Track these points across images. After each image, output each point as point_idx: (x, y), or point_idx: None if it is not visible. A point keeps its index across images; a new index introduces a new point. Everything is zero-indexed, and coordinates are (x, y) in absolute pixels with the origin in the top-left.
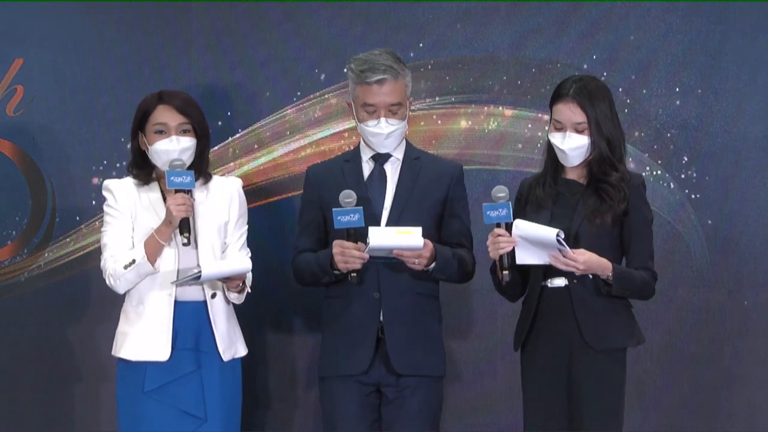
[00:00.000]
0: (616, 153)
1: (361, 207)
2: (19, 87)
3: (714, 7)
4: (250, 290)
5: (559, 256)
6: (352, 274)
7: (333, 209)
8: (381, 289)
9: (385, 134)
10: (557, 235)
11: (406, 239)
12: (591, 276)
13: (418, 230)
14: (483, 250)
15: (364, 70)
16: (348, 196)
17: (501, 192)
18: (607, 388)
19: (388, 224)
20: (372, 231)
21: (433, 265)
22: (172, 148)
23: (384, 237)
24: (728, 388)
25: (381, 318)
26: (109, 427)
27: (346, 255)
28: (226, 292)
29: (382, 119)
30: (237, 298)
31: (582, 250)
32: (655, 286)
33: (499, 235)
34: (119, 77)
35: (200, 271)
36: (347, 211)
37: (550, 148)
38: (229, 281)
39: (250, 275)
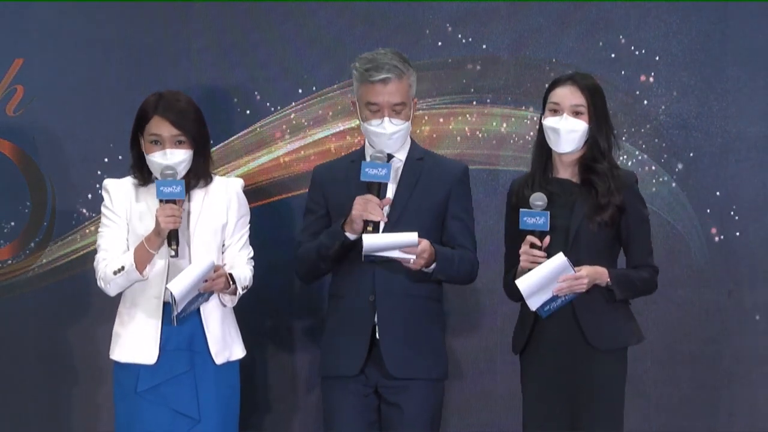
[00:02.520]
0: (609, 146)
1: (390, 164)
2: (19, 87)
3: (714, 7)
4: (242, 291)
5: (563, 285)
6: (369, 227)
7: (362, 162)
8: (376, 292)
9: (388, 134)
10: (567, 261)
11: (400, 236)
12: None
13: (414, 234)
14: (485, 251)
15: (368, 68)
16: (379, 152)
17: (539, 200)
18: (609, 389)
19: (386, 226)
20: (366, 237)
21: (433, 265)
22: (165, 162)
23: (378, 237)
24: (728, 388)
25: (375, 320)
26: (108, 428)
27: (368, 207)
28: (220, 296)
29: (386, 119)
30: (230, 300)
31: (583, 267)
32: (657, 280)
33: (533, 246)
34: (119, 77)
35: (171, 293)
36: (375, 165)
37: (538, 147)
38: (210, 285)
39: (249, 275)
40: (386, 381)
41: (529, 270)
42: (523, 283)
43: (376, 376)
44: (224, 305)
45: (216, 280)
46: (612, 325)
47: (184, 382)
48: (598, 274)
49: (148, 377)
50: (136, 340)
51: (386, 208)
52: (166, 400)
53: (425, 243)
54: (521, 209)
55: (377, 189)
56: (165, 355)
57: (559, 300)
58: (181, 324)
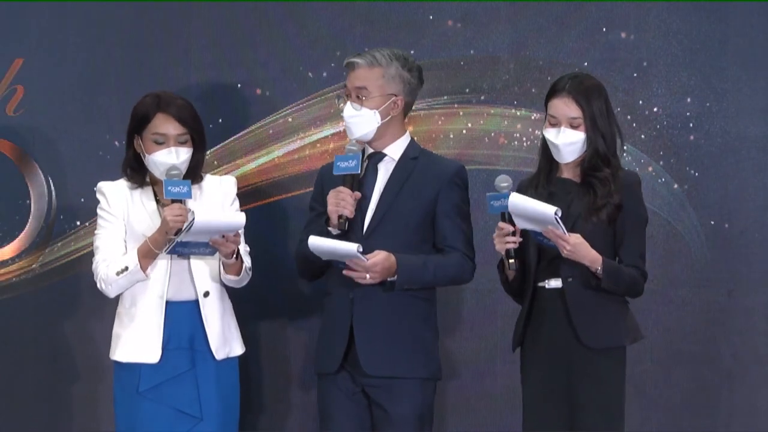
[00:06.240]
0: (611, 149)
1: (360, 154)
2: (19, 87)
3: (714, 7)
4: (249, 273)
5: (553, 230)
6: (341, 220)
7: (335, 155)
8: (355, 289)
9: (345, 117)
10: (555, 214)
11: (342, 245)
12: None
13: (354, 246)
14: (483, 250)
15: (348, 57)
16: (353, 145)
17: (504, 182)
18: (606, 388)
19: (371, 224)
20: (312, 238)
21: (395, 278)
22: (170, 160)
23: (323, 241)
24: (728, 388)
25: (352, 317)
26: (108, 427)
27: (339, 197)
28: (223, 277)
29: (349, 103)
30: (235, 282)
31: (577, 235)
32: (645, 285)
33: (503, 229)
34: (119, 77)
35: (192, 219)
36: (346, 157)
37: (544, 148)
38: (223, 243)
39: (248, 260)
40: (368, 380)
41: (507, 253)
42: (516, 197)
43: (357, 374)
44: (222, 282)
45: (229, 243)
46: (606, 325)
47: (185, 380)
48: (590, 256)
49: (149, 377)
50: (138, 340)
51: (371, 207)
52: (168, 400)
53: (378, 257)
54: (487, 194)
55: (350, 181)
56: (166, 354)
57: (545, 240)
58: (180, 319)
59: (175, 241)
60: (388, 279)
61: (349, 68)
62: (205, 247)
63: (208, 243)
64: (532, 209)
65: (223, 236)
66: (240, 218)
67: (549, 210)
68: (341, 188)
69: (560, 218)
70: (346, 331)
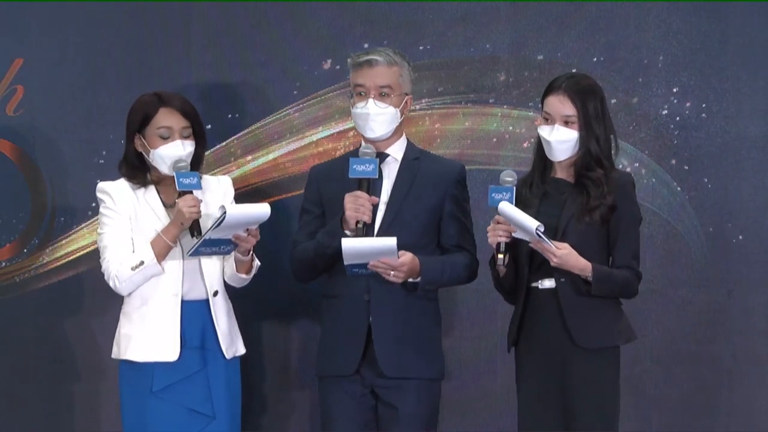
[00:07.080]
0: (604, 151)
1: (377, 159)
2: (19, 87)
3: (714, 7)
4: (254, 271)
5: (538, 242)
6: (359, 225)
7: (350, 158)
8: (371, 291)
9: (371, 115)
10: (537, 229)
11: (379, 241)
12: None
13: (393, 239)
14: (482, 250)
15: (359, 54)
16: (367, 147)
17: (509, 176)
18: (600, 388)
19: (381, 226)
20: (344, 241)
21: (419, 279)
22: (178, 153)
23: (357, 242)
24: (728, 388)
25: (370, 320)
26: (109, 428)
27: (357, 203)
28: (232, 275)
29: (371, 100)
30: (243, 281)
31: (565, 245)
32: (645, 285)
33: (499, 223)
34: (119, 77)
35: (224, 213)
36: (363, 161)
37: (539, 147)
38: (245, 238)
39: (257, 261)
40: (381, 381)
41: (497, 246)
42: (504, 206)
43: (371, 375)
44: (228, 299)
45: (250, 237)
46: (598, 325)
47: (197, 380)
48: (578, 265)
49: (163, 376)
50: (153, 339)
51: (381, 209)
52: (181, 399)
53: (406, 257)
54: (490, 186)
55: (366, 185)
56: (182, 352)
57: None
58: (192, 318)
59: (201, 240)
60: (410, 280)
61: (365, 66)
62: (226, 245)
63: (230, 240)
64: (518, 220)
65: (247, 231)
66: (266, 208)
67: (531, 224)
68: (359, 193)
69: (543, 232)
70: (363, 332)
